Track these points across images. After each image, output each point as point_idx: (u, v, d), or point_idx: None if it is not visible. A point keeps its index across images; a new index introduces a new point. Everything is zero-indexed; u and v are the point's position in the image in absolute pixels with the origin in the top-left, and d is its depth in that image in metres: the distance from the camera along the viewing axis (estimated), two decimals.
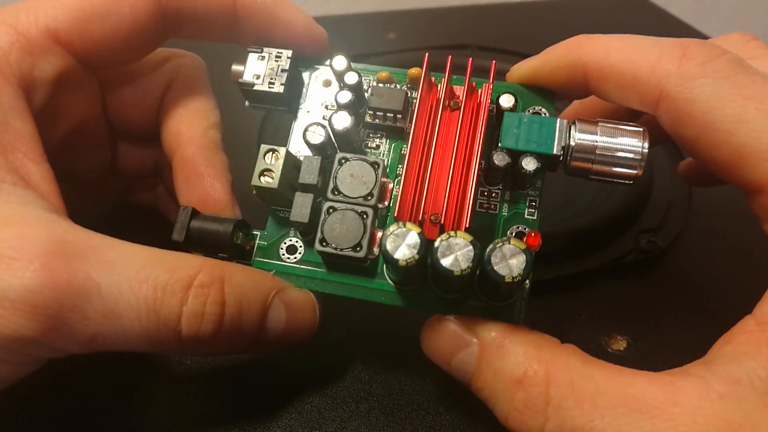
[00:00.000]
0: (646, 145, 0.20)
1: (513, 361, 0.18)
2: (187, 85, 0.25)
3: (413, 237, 0.18)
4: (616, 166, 0.20)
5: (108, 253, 0.17)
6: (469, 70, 0.21)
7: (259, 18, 0.23)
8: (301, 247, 0.22)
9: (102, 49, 0.21)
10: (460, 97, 0.22)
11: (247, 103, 0.23)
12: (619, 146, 0.20)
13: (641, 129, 0.20)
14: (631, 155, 0.20)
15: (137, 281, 0.17)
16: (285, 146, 0.21)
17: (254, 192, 0.21)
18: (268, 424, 0.22)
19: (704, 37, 0.54)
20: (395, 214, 0.19)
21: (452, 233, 0.18)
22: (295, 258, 0.22)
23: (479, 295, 0.20)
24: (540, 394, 0.17)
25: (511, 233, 0.21)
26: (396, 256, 0.18)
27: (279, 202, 0.22)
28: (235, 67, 0.22)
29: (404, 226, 0.18)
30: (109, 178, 0.28)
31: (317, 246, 0.20)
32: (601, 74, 0.20)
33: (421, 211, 0.20)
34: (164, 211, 0.29)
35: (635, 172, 0.20)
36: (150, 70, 0.25)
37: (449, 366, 0.20)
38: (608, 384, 0.17)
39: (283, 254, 0.22)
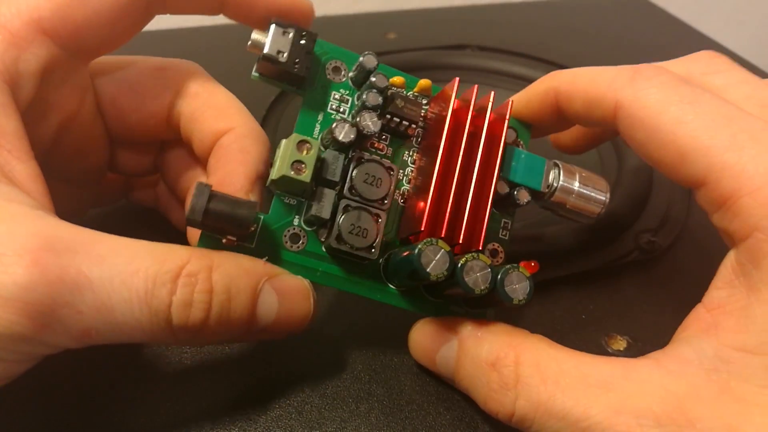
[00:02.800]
0: (609, 195, 0.24)
1: (487, 347, 0.20)
2: (202, 85, 0.24)
3: (444, 256, 0.19)
4: (584, 209, 0.24)
5: (97, 248, 0.17)
6: (491, 102, 0.23)
7: None
8: (304, 237, 0.22)
9: (86, 34, 0.21)
10: (482, 125, 0.23)
11: (255, 74, 0.22)
12: (590, 193, 0.24)
13: (606, 182, 0.24)
14: (598, 202, 0.24)
15: (128, 274, 0.17)
16: (290, 132, 0.21)
17: (274, 179, 0.20)
18: (268, 424, 0.22)
19: (704, 37, 0.54)
20: (422, 227, 0.21)
21: (475, 255, 0.20)
22: (298, 247, 0.22)
23: (461, 304, 0.23)
24: (511, 373, 0.19)
25: (487, 251, 0.24)
26: (428, 270, 0.19)
27: (290, 192, 0.22)
28: (256, 37, 0.21)
29: (437, 244, 0.19)
30: (109, 177, 0.28)
31: (333, 242, 0.20)
32: (569, 95, 0.23)
33: (444, 227, 0.21)
34: (164, 210, 0.29)
35: (597, 212, 0.24)
36: (149, 76, 0.24)
37: (434, 364, 0.22)
38: (570, 364, 0.19)
39: (286, 242, 0.22)
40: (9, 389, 0.18)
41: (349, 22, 0.51)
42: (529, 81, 0.41)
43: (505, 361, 0.20)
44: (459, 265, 0.19)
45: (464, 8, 0.56)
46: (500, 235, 0.24)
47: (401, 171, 0.23)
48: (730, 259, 0.19)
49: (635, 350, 0.26)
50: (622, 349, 0.26)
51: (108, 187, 0.29)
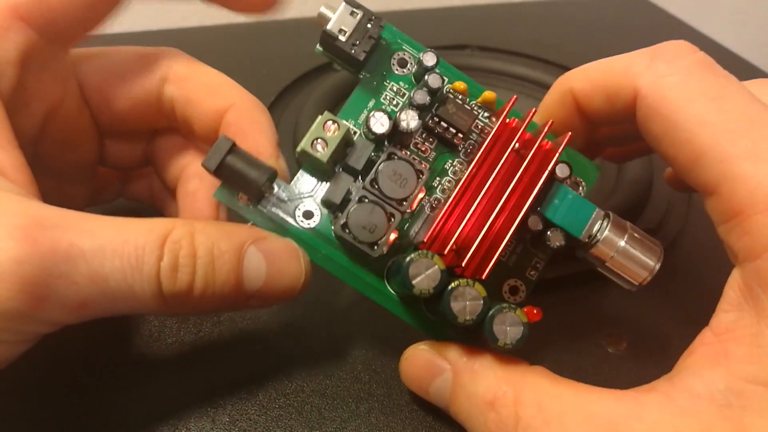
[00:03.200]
0: (659, 265, 0.21)
1: (484, 384, 0.19)
2: (189, 67, 0.24)
3: (436, 272, 0.19)
4: (626, 271, 0.21)
5: (86, 224, 0.17)
6: (547, 129, 0.21)
7: None
8: (318, 216, 0.21)
9: (63, 17, 0.21)
10: (529, 148, 0.21)
11: (318, 48, 0.22)
12: (637, 254, 0.21)
13: (660, 248, 0.21)
14: (645, 267, 0.21)
15: (119, 243, 0.17)
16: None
17: (297, 151, 0.21)
18: (267, 424, 0.22)
19: (704, 37, 0.54)
20: (426, 238, 0.20)
21: (471, 282, 0.19)
22: (308, 225, 0.21)
23: (458, 330, 0.21)
24: (510, 414, 0.18)
25: (507, 286, 0.22)
26: (414, 282, 0.18)
27: (314, 169, 0.22)
28: (324, 11, 0.21)
29: (431, 258, 0.19)
30: (102, 173, 0.28)
31: (338, 229, 0.20)
32: (586, 93, 0.22)
33: (452, 241, 0.20)
34: (160, 206, 0.29)
35: (638, 283, 0.21)
36: (133, 63, 0.24)
37: (428, 394, 0.21)
38: (574, 403, 0.18)
39: (299, 216, 0.21)
40: (3, 376, 0.18)
41: None
42: (530, 81, 0.42)
43: (504, 400, 0.18)
44: (449, 287, 0.19)
45: (464, 8, 0.56)
46: (527, 274, 0.22)
47: (438, 179, 0.22)
48: (736, 280, 0.18)
49: (635, 350, 0.26)
50: (621, 349, 0.26)
51: (102, 184, 0.29)
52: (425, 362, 0.21)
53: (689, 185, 0.19)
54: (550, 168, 0.21)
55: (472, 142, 0.23)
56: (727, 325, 0.18)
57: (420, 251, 0.19)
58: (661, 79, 0.19)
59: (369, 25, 0.22)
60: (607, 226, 0.21)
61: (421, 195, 0.22)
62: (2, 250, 0.16)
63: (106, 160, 0.27)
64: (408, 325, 0.22)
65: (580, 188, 0.23)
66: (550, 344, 0.25)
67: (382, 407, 0.23)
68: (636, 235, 0.21)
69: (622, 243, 0.21)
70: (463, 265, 0.19)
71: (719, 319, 0.18)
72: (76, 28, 0.22)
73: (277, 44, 0.37)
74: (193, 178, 0.25)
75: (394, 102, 0.23)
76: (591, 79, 0.21)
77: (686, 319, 0.23)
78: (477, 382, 0.19)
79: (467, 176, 0.21)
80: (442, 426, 0.23)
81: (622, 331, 0.27)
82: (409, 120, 0.20)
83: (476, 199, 0.20)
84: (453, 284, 0.19)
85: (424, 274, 0.18)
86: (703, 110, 0.18)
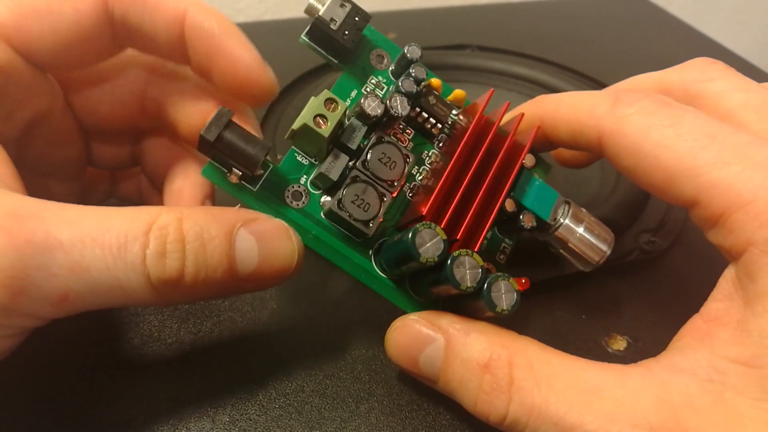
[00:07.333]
0: (609, 251, 0.24)
1: (479, 348, 0.20)
2: (172, 70, 0.24)
3: (439, 242, 0.19)
4: (584, 253, 0.24)
5: (65, 214, 0.17)
6: (518, 122, 0.24)
7: (202, 45, 0.22)
8: (307, 197, 0.22)
9: (42, 49, 0.21)
10: (501, 142, 0.23)
11: (303, 38, 0.23)
12: (593, 240, 0.24)
13: (611, 236, 0.24)
14: (598, 251, 0.24)
15: (99, 232, 0.17)
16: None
17: (294, 129, 0.21)
18: (267, 424, 0.22)
19: (704, 37, 0.54)
20: (424, 211, 0.20)
21: (469, 252, 0.19)
22: (297, 205, 0.22)
23: (446, 306, 0.22)
24: (505, 375, 0.19)
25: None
26: (420, 251, 0.19)
27: (307, 147, 0.22)
28: (314, 2, 0.22)
29: (434, 229, 0.19)
30: (92, 173, 0.28)
31: (334, 207, 0.20)
32: (554, 124, 0.23)
33: (446, 219, 0.21)
34: (149, 204, 0.29)
35: (596, 261, 0.24)
36: (114, 66, 0.24)
37: (416, 365, 0.21)
38: (563, 368, 0.19)
39: (288, 197, 0.22)
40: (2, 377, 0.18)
41: None
42: (529, 81, 0.42)
43: (499, 362, 0.19)
44: (451, 256, 0.19)
45: (464, 8, 0.56)
46: (497, 258, 0.24)
47: (417, 167, 0.24)
48: (729, 273, 0.19)
49: (635, 350, 0.26)
50: (622, 349, 0.26)
51: (92, 184, 0.29)
52: (416, 332, 0.21)
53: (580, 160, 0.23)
54: (523, 156, 0.23)
55: (445, 135, 0.24)
56: (716, 313, 0.19)
57: (423, 223, 0.19)
58: (621, 119, 0.21)
59: (356, 18, 0.23)
60: (568, 212, 0.24)
61: (403, 180, 0.22)
62: None
63: (93, 160, 0.27)
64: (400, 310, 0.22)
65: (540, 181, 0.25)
66: (550, 344, 0.25)
67: (382, 407, 0.23)
68: (592, 220, 0.24)
69: (581, 229, 0.24)
70: (459, 237, 0.21)
71: (709, 307, 0.19)
72: (60, 60, 0.22)
73: (277, 44, 0.37)
74: (179, 176, 0.26)
75: (375, 93, 0.24)
76: (560, 114, 0.23)
77: (686, 319, 0.23)
78: (472, 345, 0.20)
79: (456, 156, 0.22)
80: (442, 426, 0.23)
81: (622, 331, 0.27)
82: (399, 105, 0.22)
83: (462, 182, 0.22)
84: (455, 254, 0.19)
85: (430, 243, 0.19)
86: (662, 136, 0.19)
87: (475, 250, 0.20)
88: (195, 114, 0.24)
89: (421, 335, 0.21)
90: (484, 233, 0.21)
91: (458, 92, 0.25)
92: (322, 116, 0.20)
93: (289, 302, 0.27)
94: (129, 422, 0.22)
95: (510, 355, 0.19)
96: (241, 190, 0.21)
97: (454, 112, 0.25)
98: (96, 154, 0.27)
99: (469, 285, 0.19)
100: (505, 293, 0.19)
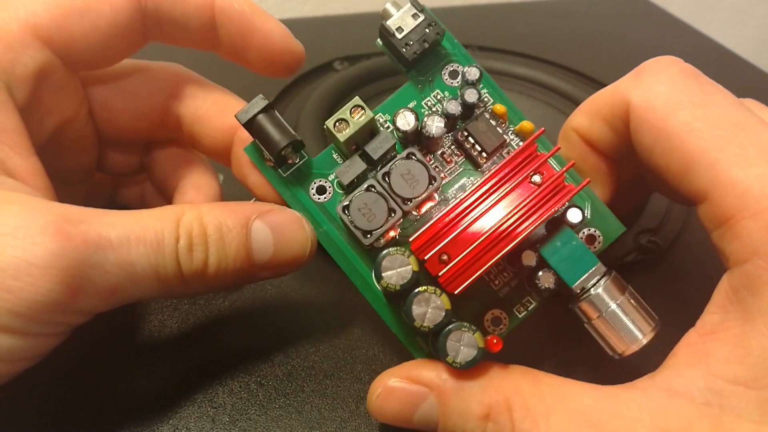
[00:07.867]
0: (646, 340, 0.20)
1: (475, 399, 0.19)
2: (196, 85, 0.25)
3: (408, 271, 0.19)
4: (609, 336, 0.20)
5: (106, 218, 0.18)
6: (553, 152, 0.21)
7: (236, 24, 0.23)
8: (330, 194, 0.22)
9: (81, 47, 0.21)
10: (545, 177, 0.20)
11: (379, 42, 0.23)
12: (626, 322, 0.20)
13: (655, 324, 0.20)
14: (629, 338, 0.20)
15: (140, 230, 0.18)
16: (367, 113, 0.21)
17: (325, 130, 0.21)
18: (267, 424, 0.22)
19: (704, 37, 0.54)
20: (414, 238, 0.19)
21: (438, 292, 0.19)
22: (318, 199, 0.22)
23: (428, 341, 0.21)
24: (507, 421, 0.19)
25: (491, 315, 0.21)
26: (383, 275, 0.19)
27: (338, 148, 0.23)
28: (389, 7, 0.22)
29: (407, 257, 0.19)
30: (98, 177, 0.28)
31: (339, 209, 0.20)
32: (585, 125, 0.22)
33: (439, 247, 0.19)
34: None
35: (620, 352, 0.20)
36: (138, 78, 0.25)
37: (412, 424, 0.20)
38: (557, 402, 0.18)
39: (312, 189, 0.22)
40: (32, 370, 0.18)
41: (349, 22, 0.51)
42: (530, 81, 0.42)
43: (498, 409, 0.19)
44: (416, 290, 0.19)
45: (464, 8, 0.56)
46: (515, 309, 0.22)
47: (454, 193, 0.22)
48: (725, 284, 0.18)
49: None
50: None
51: (96, 187, 0.29)
52: (402, 394, 0.20)
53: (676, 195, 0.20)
54: (558, 206, 0.19)
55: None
56: (712, 327, 0.18)
57: (398, 247, 0.19)
58: (648, 90, 0.19)
59: (427, 30, 0.22)
60: (604, 283, 0.20)
61: (431, 203, 0.22)
62: (38, 245, 0.16)
63: (103, 166, 0.27)
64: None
65: (597, 242, 0.22)
66: (550, 344, 0.25)
67: None
68: (632, 301, 0.20)
69: (614, 305, 0.20)
70: (440, 274, 0.19)
71: (704, 321, 0.18)
72: (92, 61, 0.22)
73: None
74: (191, 189, 0.26)
75: (434, 108, 0.23)
76: (586, 111, 0.22)
77: (685, 321, 0.23)
78: (466, 398, 0.19)
79: (473, 191, 0.20)
80: None
81: None
82: (432, 125, 0.21)
83: (479, 217, 0.20)
84: (420, 288, 0.19)
85: (396, 270, 0.19)
86: (690, 117, 0.18)
87: (455, 292, 0.19)
88: (219, 128, 0.24)
89: (410, 396, 0.20)
90: (473, 279, 0.19)
91: (525, 124, 0.22)
92: (344, 121, 0.21)
93: (289, 303, 0.27)
94: (129, 422, 0.22)
95: (507, 398, 0.19)
96: (273, 172, 0.22)
97: (517, 143, 0.22)
98: (107, 161, 0.27)
99: (424, 324, 0.19)
100: (465, 346, 0.19)
